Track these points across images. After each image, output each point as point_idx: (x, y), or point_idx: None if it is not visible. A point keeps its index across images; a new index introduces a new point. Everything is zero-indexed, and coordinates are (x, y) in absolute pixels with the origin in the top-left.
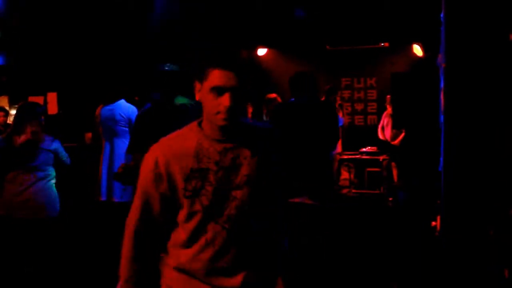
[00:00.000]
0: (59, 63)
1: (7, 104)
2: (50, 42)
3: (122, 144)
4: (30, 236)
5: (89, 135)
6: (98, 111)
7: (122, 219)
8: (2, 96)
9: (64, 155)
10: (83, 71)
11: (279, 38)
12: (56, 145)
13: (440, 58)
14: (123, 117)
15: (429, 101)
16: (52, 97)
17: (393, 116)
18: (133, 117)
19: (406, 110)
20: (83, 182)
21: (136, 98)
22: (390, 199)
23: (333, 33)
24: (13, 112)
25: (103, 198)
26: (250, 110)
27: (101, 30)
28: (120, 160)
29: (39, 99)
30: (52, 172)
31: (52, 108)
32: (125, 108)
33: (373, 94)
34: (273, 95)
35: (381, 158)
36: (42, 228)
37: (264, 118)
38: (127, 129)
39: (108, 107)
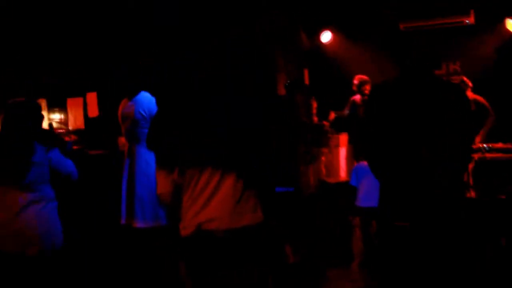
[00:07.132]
0: (98, 61)
1: (46, 107)
2: (87, 42)
3: (144, 151)
4: (21, 275)
5: (122, 139)
6: (120, 108)
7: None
8: (40, 99)
9: (64, 167)
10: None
11: (345, 20)
12: (51, 155)
13: None
14: (143, 115)
15: None
16: (91, 97)
17: None
18: None
19: None
20: (107, 200)
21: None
22: None
23: (407, 7)
24: (52, 116)
25: (122, 221)
26: (314, 105)
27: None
28: (142, 173)
29: (78, 101)
30: (49, 192)
31: (92, 110)
32: (147, 102)
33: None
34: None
35: None
36: (34, 266)
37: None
38: None
39: (129, 103)
